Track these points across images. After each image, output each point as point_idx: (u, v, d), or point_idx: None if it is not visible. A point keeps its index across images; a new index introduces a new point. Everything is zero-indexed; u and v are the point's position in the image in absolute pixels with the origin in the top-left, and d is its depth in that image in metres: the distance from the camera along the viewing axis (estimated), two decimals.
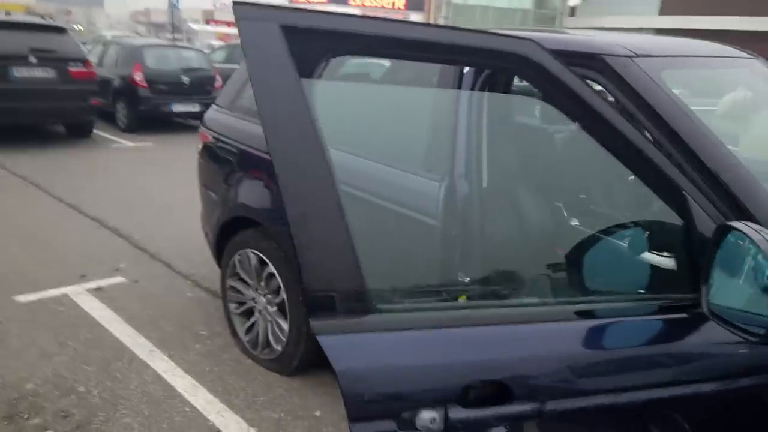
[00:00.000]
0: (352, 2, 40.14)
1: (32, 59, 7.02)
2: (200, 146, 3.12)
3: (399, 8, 35.69)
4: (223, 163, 2.94)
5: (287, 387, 2.68)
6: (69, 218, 4.87)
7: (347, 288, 1.03)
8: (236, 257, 2.86)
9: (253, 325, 2.87)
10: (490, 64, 1.25)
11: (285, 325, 2.66)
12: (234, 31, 37.64)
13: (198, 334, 3.09)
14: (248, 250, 2.77)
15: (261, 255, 2.69)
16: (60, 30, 7.64)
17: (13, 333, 2.96)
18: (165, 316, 3.25)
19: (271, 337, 2.77)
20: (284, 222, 2.48)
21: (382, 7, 35.93)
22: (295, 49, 0.95)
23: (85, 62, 7.55)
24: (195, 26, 39.37)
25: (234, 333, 2.99)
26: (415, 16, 33.51)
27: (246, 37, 0.94)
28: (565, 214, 2.60)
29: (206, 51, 11.90)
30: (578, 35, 1.89)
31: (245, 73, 2.99)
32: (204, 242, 3.50)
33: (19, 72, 6.99)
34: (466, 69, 1.98)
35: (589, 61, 1.57)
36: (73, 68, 7.34)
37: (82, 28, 36.31)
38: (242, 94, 2.91)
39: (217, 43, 24.15)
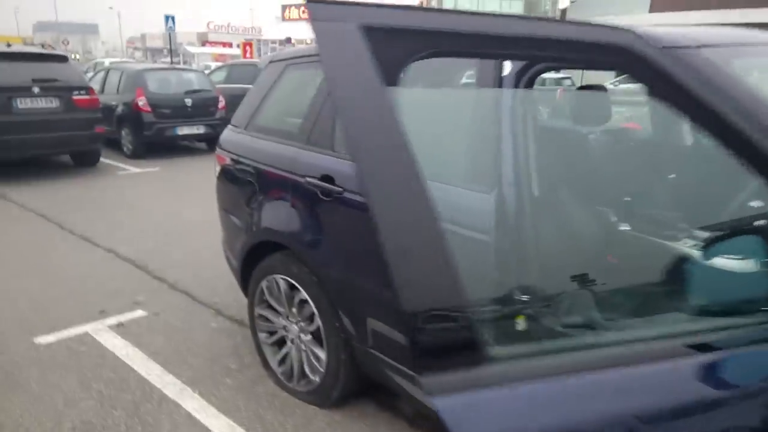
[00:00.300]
0: None
1: (35, 90, 6.93)
2: (218, 169, 2.98)
3: None
4: (244, 185, 2.80)
5: (329, 420, 2.51)
6: (82, 250, 4.73)
7: (459, 333, 0.86)
8: (264, 284, 2.71)
9: (286, 355, 2.72)
10: (586, 59, 1.10)
11: (322, 355, 2.50)
12: (229, 51, 37.84)
13: (228, 367, 2.93)
14: (277, 276, 2.62)
15: (291, 281, 2.54)
16: (61, 59, 7.56)
17: (34, 378, 2.81)
18: (191, 350, 3.09)
19: (306, 368, 2.61)
20: (314, 244, 2.30)
21: None
22: (379, 52, 0.80)
23: (88, 90, 7.46)
24: (191, 48, 39.58)
25: (266, 364, 2.84)
26: None
27: (322, 41, 0.79)
28: (614, 219, 2.45)
29: (206, 72, 11.82)
30: (635, 27, 1.75)
31: (261, 91, 2.85)
32: (223, 268, 3.34)
33: (23, 103, 6.90)
34: (507, 70, 1.84)
35: None
36: (77, 97, 7.24)
37: (79, 57, 36.49)
38: (259, 112, 2.77)
39: (213, 63, 24.19)
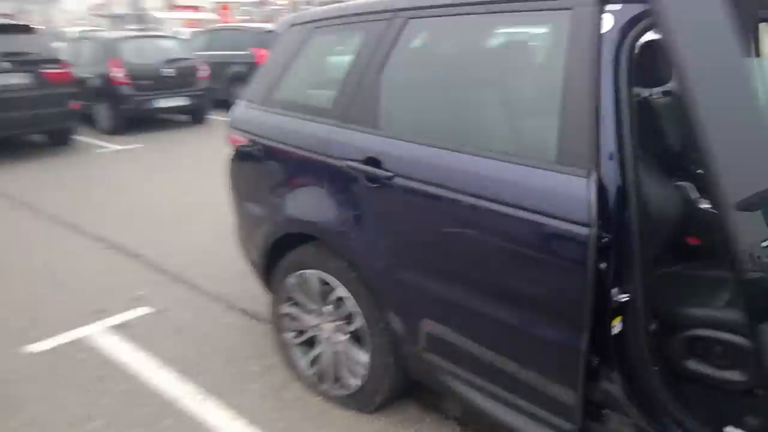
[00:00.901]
0: None
1: (4, 65, 6.34)
2: (232, 151, 2.62)
3: None
4: (265, 170, 2.46)
5: (372, 429, 2.26)
6: (69, 240, 4.34)
7: None
8: (292, 279, 2.41)
9: (317, 356, 2.44)
10: None
11: (363, 357, 2.23)
12: (202, 15, 36.03)
13: (250, 370, 2.64)
14: (309, 271, 2.32)
15: (327, 276, 2.24)
16: (28, 30, 6.94)
17: (32, 395, 2.49)
18: (206, 352, 2.79)
19: (343, 371, 2.34)
20: (357, 236, 1.96)
21: None
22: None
23: (59, 63, 6.88)
24: (158, 14, 37.78)
25: (293, 366, 2.56)
26: None
27: None
28: (693, 197, 2.18)
29: (185, 38, 11.14)
30: None
31: (282, 60, 2.47)
32: (226, 255, 3.02)
33: None
34: (608, 27, 1.52)
35: None
36: (48, 70, 6.67)
37: (42, 27, 34.63)
38: (280, 85, 2.40)
39: (185, 30, 23.07)
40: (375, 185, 1.94)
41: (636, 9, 1.48)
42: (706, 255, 2.07)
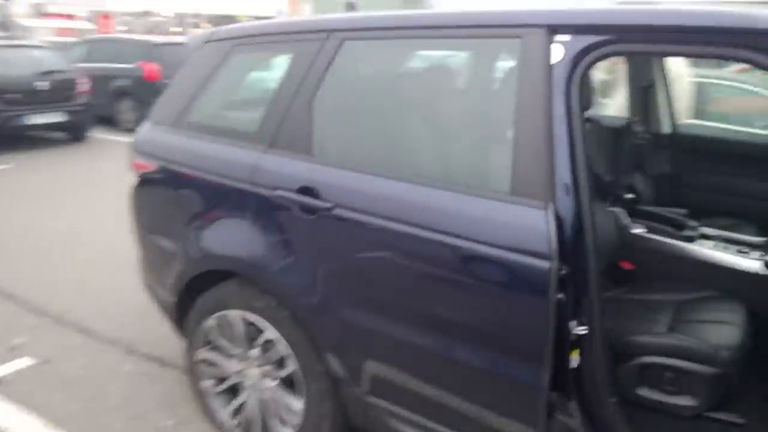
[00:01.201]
0: None
1: None
2: (136, 178, 2.31)
3: None
4: (179, 200, 2.19)
5: None
6: None
7: None
8: (210, 322, 2.16)
9: (240, 405, 2.20)
10: None
11: (296, 404, 2.04)
12: (78, 24, 33.42)
13: (160, 426, 2.33)
14: (231, 312, 2.08)
15: (254, 317, 2.02)
16: None
17: None
18: (106, 407, 2.43)
19: (273, 420, 2.12)
20: (291, 272, 1.81)
21: None
22: None
23: None
24: (26, 21, 34.47)
25: (213, 417, 2.29)
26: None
27: None
28: (625, 222, 2.25)
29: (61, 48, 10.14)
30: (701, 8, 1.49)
31: (197, 78, 2.22)
32: (119, 291, 2.64)
33: None
34: (558, 58, 1.50)
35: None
36: None
37: None
38: (195, 106, 2.15)
39: (56, 40, 21.18)
40: (311, 216, 1.78)
41: (586, 40, 1.48)
42: (638, 279, 2.13)
